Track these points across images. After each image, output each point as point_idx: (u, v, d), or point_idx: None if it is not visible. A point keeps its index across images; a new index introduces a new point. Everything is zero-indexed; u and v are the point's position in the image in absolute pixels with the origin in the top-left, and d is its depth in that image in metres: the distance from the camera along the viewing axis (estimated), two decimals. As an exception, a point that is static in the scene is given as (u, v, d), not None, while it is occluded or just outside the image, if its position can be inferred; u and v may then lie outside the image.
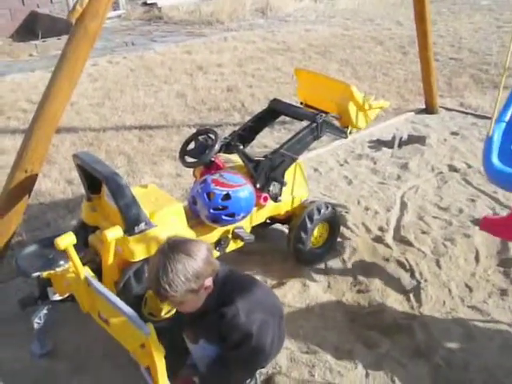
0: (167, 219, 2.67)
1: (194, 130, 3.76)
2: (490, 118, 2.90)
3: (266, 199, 3.01)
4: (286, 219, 3.27)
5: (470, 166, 4.43)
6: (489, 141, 2.79)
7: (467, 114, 5.59)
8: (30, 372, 2.54)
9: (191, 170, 3.30)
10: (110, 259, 2.54)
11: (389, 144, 4.88)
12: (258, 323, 2.16)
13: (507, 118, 2.87)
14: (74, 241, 2.31)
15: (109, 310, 2.20)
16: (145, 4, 10.85)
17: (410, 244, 3.45)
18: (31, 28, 9.32)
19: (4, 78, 6.94)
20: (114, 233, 2.44)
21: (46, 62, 7.59)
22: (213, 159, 3.00)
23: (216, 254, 2.92)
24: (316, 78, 3.55)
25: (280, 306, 2.45)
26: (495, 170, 2.72)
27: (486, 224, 2.89)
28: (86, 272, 2.36)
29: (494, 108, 2.83)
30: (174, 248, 2.02)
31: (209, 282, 2.10)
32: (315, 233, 3.21)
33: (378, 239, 3.51)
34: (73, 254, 2.32)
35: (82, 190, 3.81)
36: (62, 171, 4.50)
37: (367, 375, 2.50)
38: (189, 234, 2.74)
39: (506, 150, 2.85)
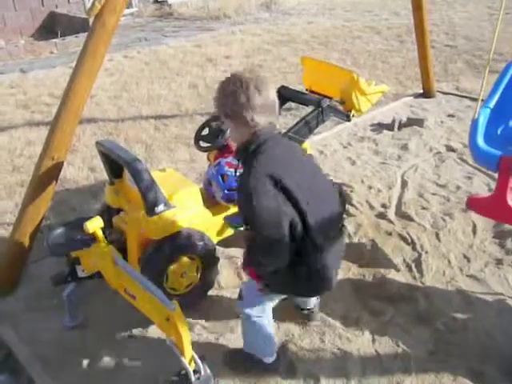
0: (185, 200, 2.69)
1: (205, 118, 3.73)
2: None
3: (275, 180, 3.01)
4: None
5: (465, 146, 4.38)
6: (474, 123, 2.78)
7: (462, 97, 5.55)
8: (62, 342, 2.59)
9: (205, 154, 3.31)
10: (133, 238, 2.56)
11: (389, 127, 4.86)
12: (258, 189, 1.90)
13: (492, 105, 2.86)
14: (102, 224, 2.34)
15: (135, 287, 2.22)
16: (156, 1, 10.78)
17: (410, 219, 3.45)
18: (51, 27, 9.28)
19: (27, 74, 6.94)
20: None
21: (65, 58, 7.57)
22: (225, 143, 3.00)
23: (230, 231, 2.93)
24: (321, 65, 3.53)
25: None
26: (480, 150, 2.70)
27: (471, 204, 2.88)
28: (113, 252, 2.38)
29: (479, 93, 2.81)
30: (250, 78, 1.92)
31: (252, 123, 1.93)
32: (322, 210, 3.21)
33: (381, 215, 3.52)
34: (100, 236, 2.36)
35: (103, 176, 3.83)
36: (84, 159, 4.52)
37: (373, 340, 2.52)
38: (205, 213, 2.76)
39: (493, 134, 2.85)
